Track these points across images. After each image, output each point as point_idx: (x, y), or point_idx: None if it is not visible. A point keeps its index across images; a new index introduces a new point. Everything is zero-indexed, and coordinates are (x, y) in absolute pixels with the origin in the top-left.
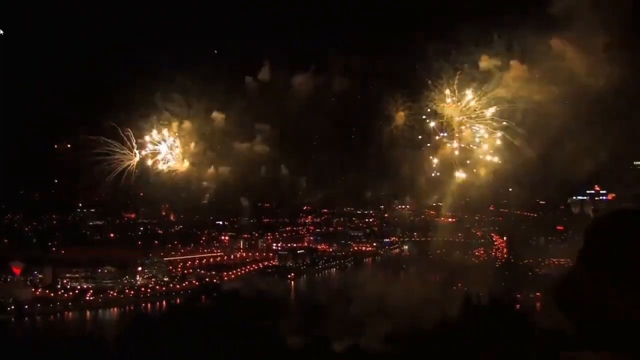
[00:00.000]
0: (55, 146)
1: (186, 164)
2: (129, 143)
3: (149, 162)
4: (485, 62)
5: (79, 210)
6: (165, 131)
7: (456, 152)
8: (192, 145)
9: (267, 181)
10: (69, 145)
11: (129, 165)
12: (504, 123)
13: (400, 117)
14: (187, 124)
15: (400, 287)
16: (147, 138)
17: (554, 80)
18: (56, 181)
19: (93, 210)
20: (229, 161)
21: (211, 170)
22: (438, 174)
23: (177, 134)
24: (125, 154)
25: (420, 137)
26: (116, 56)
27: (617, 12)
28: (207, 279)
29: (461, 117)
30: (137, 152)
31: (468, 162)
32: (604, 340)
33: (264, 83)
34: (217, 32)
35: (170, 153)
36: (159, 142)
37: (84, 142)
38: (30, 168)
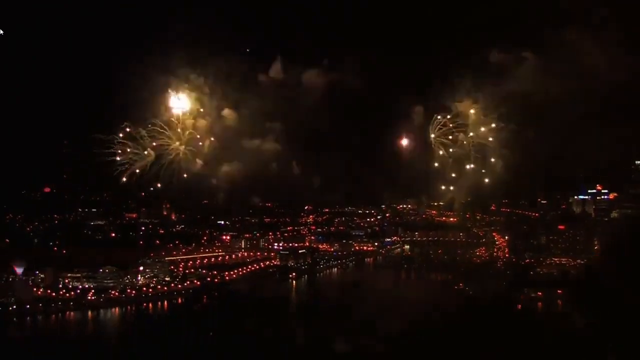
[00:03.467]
0: (61, 146)
1: (199, 163)
2: (142, 142)
3: (163, 162)
4: (496, 60)
5: (80, 210)
6: (177, 130)
7: (471, 150)
8: (206, 144)
9: (274, 180)
10: (74, 145)
11: (143, 165)
12: (512, 122)
13: (414, 116)
14: (199, 123)
15: (401, 287)
16: (160, 137)
17: (560, 82)
18: (62, 180)
19: (95, 210)
20: (238, 160)
21: (222, 169)
22: (447, 173)
23: (190, 134)
24: (138, 153)
25: (432, 137)
26: (128, 55)
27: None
28: (209, 279)
29: (476, 116)
30: (150, 151)
31: (474, 162)
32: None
33: (275, 82)
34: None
35: (186, 153)
36: (171, 141)
37: (95, 142)
38: (33, 169)
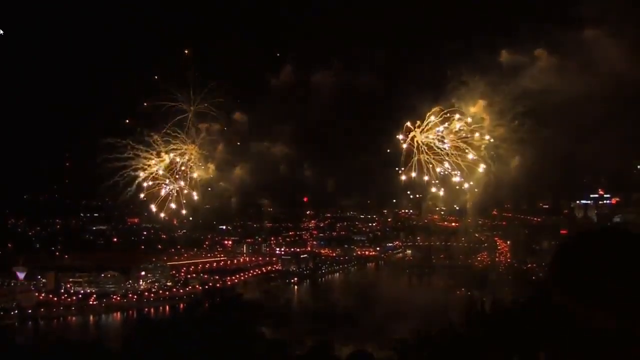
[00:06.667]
0: (65, 150)
1: (211, 169)
2: (155, 147)
3: (173, 167)
4: (500, 63)
5: (82, 215)
6: (185, 136)
7: (484, 151)
8: (218, 148)
9: (280, 184)
10: (81, 149)
11: (155, 171)
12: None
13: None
14: (207, 128)
15: (403, 292)
16: (174, 142)
17: (562, 87)
18: (65, 185)
19: (97, 214)
20: (247, 165)
21: (233, 174)
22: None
23: (203, 138)
24: (151, 158)
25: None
26: (138, 59)
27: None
28: (210, 284)
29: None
30: (164, 155)
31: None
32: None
33: (283, 86)
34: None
35: (198, 159)
36: (184, 146)
37: (105, 146)
38: (36, 172)
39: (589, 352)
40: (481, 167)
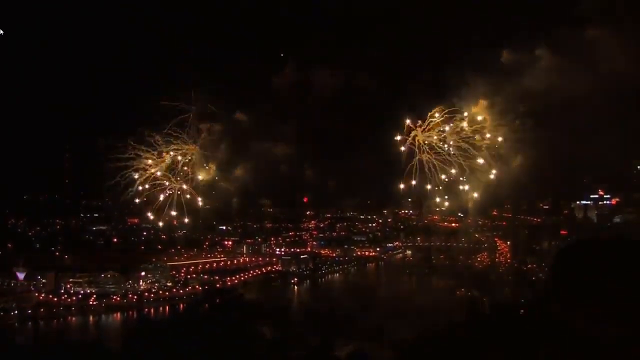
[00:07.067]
0: (65, 150)
1: (212, 170)
2: (156, 147)
3: (174, 167)
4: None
5: (82, 215)
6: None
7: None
8: (219, 148)
9: (281, 185)
10: (81, 149)
11: (154, 172)
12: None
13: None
14: (208, 128)
15: (402, 292)
16: (175, 142)
17: (561, 87)
18: (65, 185)
19: (97, 215)
20: (248, 165)
21: (234, 175)
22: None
23: (204, 138)
24: (151, 158)
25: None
26: (141, 59)
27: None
28: (211, 284)
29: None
30: (165, 155)
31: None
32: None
33: (283, 86)
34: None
35: (199, 159)
36: (185, 146)
37: (106, 147)
38: (36, 172)
39: (588, 353)
40: (492, 174)
